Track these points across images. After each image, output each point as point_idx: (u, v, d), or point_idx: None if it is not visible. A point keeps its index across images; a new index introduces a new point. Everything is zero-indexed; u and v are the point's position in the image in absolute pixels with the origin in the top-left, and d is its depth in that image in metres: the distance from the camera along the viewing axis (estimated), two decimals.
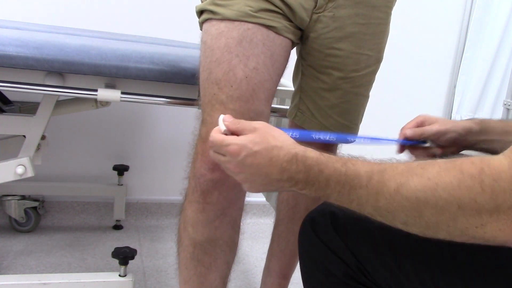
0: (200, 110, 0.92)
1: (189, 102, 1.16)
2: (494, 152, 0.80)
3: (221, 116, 0.69)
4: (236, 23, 0.84)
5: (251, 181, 0.64)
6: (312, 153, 0.61)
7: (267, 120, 0.91)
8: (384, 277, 0.62)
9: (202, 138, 0.88)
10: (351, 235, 0.64)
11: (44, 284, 1.18)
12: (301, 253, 0.72)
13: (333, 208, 0.67)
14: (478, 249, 0.51)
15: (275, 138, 0.63)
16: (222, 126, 0.68)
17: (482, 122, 0.83)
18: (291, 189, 0.62)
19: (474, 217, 0.48)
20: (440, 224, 0.51)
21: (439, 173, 0.51)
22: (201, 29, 0.91)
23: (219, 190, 0.88)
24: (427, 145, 0.85)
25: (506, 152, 0.49)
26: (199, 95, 1.01)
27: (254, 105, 0.85)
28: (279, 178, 0.61)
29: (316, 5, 0.88)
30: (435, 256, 0.59)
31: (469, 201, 0.48)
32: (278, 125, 1.45)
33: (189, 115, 1.76)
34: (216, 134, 0.67)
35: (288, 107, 1.14)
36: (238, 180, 0.66)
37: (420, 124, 0.84)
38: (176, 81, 1.13)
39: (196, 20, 0.93)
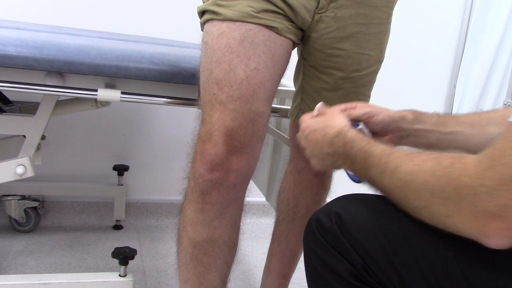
0: (200, 110, 0.92)
1: (189, 102, 1.16)
2: (430, 146, 0.82)
3: (319, 104, 0.82)
4: (238, 23, 0.84)
5: (313, 155, 0.77)
6: (352, 132, 0.71)
7: (267, 120, 0.91)
8: (390, 278, 0.62)
9: (201, 138, 0.88)
10: (356, 236, 0.64)
11: (44, 284, 1.17)
12: (306, 253, 0.72)
13: (338, 209, 0.68)
14: (484, 249, 0.52)
15: (333, 120, 0.75)
16: (315, 112, 0.81)
17: (417, 112, 0.84)
18: (336, 164, 0.72)
19: (442, 206, 0.52)
20: (420, 208, 0.56)
21: (424, 161, 0.56)
22: (202, 30, 0.91)
23: (218, 190, 0.88)
24: (359, 127, 0.83)
25: (482, 152, 0.51)
26: (199, 95, 1.01)
27: (254, 105, 0.85)
28: (328, 152, 0.73)
29: (318, 6, 0.88)
30: (439, 257, 0.59)
31: (439, 190, 0.52)
32: (278, 126, 1.45)
33: (189, 115, 1.76)
34: (304, 116, 0.81)
35: (288, 107, 1.14)
36: (307, 156, 0.79)
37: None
38: (176, 81, 1.13)
39: (196, 20, 0.93)
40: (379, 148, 0.64)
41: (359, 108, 0.83)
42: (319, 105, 0.82)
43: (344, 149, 0.70)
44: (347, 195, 0.71)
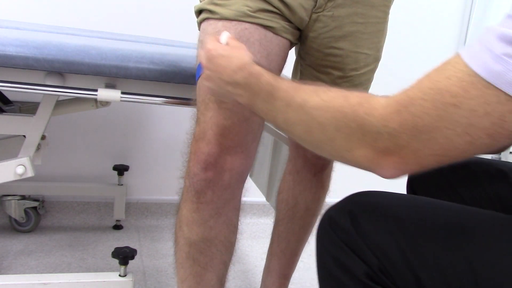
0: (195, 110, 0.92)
1: (189, 102, 1.16)
2: None
3: (225, 33, 0.80)
4: (234, 22, 0.84)
5: (210, 79, 0.76)
6: (258, 67, 0.71)
7: (262, 119, 0.91)
8: (406, 280, 0.60)
9: (196, 137, 0.88)
10: (372, 235, 0.62)
11: (44, 284, 1.18)
12: (318, 251, 0.69)
13: (352, 207, 0.66)
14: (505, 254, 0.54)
15: (239, 53, 0.74)
16: (222, 39, 0.79)
17: None
18: (233, 94, 0.73)
19: (346, 140, 0.58)
20: (322, 142, 0.62)
21: (332, 97, 0.61)
22: (199, 29, 0.92)
23: (213, 189, 0.88)
24: None
25: (392, 95, 0.57)
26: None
27: None
28: (228, 81, 0.73)
29: (315, 5, 0.88)
30: (462, 261, 0.58)
31: (344, 126, 0.58)
32: None
33: (189, 115, 1.76)
34: (212, 38, 0.79)
35: None
36: (203, 77, 0.78)
37: None
38: (176, 81, 1.13)
39: (196, 20, 0.93)
40: (286, 82, 0.68)
41: None
42: (226, 34, 0.81)
43: (248, 80, 0.71)
44: (360, 192, 0.68)
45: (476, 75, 0.50)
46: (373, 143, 0.56)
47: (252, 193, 1.24)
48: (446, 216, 0.62)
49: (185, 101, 1.17)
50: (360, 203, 0.66)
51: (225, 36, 0.79)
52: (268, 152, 1.56)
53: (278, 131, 1.40)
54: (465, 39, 2.16)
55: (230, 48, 0.76)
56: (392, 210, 0.64)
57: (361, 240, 0.62)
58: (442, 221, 0.61)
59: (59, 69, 1.05)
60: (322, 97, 0.61)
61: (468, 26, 2.15)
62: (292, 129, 0.66)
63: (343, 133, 0.58)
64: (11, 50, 1.01)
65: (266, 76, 0.69)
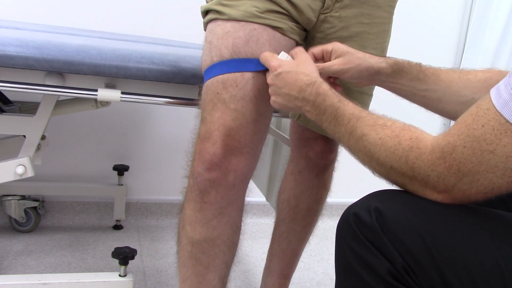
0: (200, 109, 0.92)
1: (189, 102, 1.16)
2: (403, 96, 0.90)
3: (283, 54, 0.84)
4: (242, 23, 0.84)
5: (277, 94, 0.82)
6: (325, 85, 0.77)
7: (269, 120, 0.91)
8: (432, 279, 0.59)
9: (201, 137, 0.88)
10: (398, 233, 0.62)
11: (44, 284, 1.17)
12: (340, 248, 0.68)
13: (378, 204, 0.65)
14: None
15: (306, 68, 0.80)
16: (282, 56, 0.84)
17: (395, 64, 0.87)
18: (302, 109, 0.79)
19: (400, 177, 0.65)
20: (381, 173, 0.68)
21: (387, 136, 0.66)
22: (205, 30, 0.91)
23: (216, 189, 0.88)
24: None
25: (438, 135, 0.62)
26: (199, 94, 1.01)
27: (257, 105, 0.85)
28: (296, 96, 0.79)
29: (323, 6, 0.88)
30: (489, 260, 0.58)
31: (397, 166, 0.64)
32: (278, 126, 1.45)
33: (189, 115, 1.76)
34: (269, 53, 0.83)
35: None
36: (269, 92, 0.83)
37: (326, 54, 0.87)
38: (176, 81, 1.12)
39: (196, 20, 0.93)
40: (349, 109, 0.72)
41: (333, 59, 0.86)
42: (298, 49, 0.85)
43: (315, 99, 0.76)
44: (384, 190, 0.68)
45: (507, 123, 0.54)
46: (423, 183, 0.62)
47: (252, 193, 1.24)
48: (474, 215, 0.62)
49: (185, 101, 1.17)
50: (385, 201, 0.65)
51: (284, 56, 0.83)
52: (268, 152, 1.56)
53: (278, 131, 1.40)
54: (465, 39, 2.16)
55: (297, 63, 0.81)
56: (419, 208, 0.63)
57: (386, 237, 0.62)
58: (470, 221, 0.61)
59: (59, 69, 1.05)
60: (379, 134, 0.67)
61: (468, 26, 2.15)
62: (354, 154, 0.72)
63: (397, 172, 0.65)
64: (11, 50, 1.01)
65: (331, 99, 0.75)
